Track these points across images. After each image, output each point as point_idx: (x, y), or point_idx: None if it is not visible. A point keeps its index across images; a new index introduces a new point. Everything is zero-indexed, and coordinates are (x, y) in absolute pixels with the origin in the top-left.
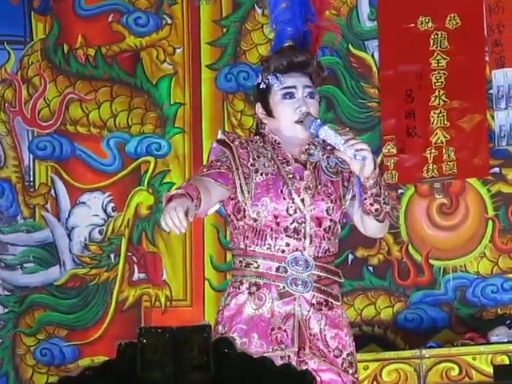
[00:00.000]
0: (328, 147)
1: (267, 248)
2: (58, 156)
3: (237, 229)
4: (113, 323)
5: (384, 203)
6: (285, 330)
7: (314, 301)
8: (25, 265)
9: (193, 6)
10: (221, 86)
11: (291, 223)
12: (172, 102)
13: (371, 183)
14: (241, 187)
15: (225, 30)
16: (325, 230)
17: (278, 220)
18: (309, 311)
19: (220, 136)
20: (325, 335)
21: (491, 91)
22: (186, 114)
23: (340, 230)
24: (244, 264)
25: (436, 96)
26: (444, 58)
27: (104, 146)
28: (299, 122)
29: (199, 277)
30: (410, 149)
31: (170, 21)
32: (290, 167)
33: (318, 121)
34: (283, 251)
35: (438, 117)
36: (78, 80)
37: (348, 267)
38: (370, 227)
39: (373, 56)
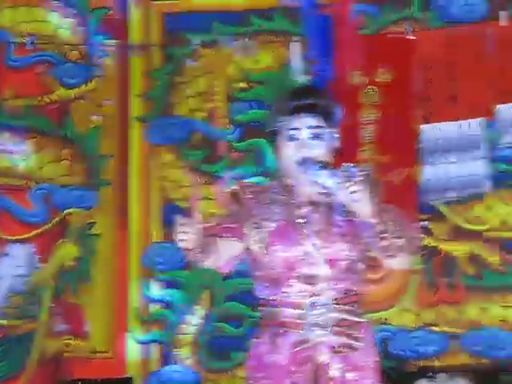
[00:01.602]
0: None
1: (285, 296)
2: None
3: (256, 279)
4: (34, 375)
5: (394, 237)
6: (301, 373)
7: (334, 344)
8: None
9: (123, 58)
10: (149, 138)
11: (305, 268)
12: (100, 154)
13: (373, 222)
14: (253, 238)
15: (155, 82)
16: (342, 271)
17: (292, 267)
18: (328, 355)
19: (235, 186)
20: (346, 379)
21: (420, 146)
22: (113, 166)
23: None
24: (266, 313)
25: (365, 150)
26: (373, 112)
27: (30, 197)
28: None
29: (122, 328)
30: None
31: (100, 72)
32: (301, 211)
33: (314, 165)
34: (301, 297)
35: None
36: (5, 131)
37: None
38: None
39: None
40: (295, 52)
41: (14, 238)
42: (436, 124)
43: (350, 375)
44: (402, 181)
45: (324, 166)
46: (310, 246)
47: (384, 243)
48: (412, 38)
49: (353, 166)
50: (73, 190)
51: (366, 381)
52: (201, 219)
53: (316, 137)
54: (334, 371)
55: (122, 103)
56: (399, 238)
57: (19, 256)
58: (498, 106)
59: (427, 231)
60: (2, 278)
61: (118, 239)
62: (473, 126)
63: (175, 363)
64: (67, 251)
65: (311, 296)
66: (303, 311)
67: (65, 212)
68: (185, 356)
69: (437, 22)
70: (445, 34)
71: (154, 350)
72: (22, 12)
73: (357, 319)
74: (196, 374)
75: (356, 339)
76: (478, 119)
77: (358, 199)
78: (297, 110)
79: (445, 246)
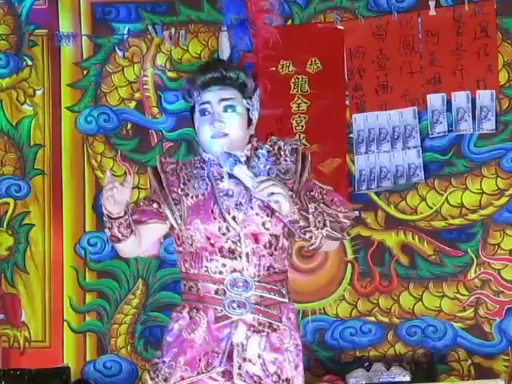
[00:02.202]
0: (273, 158)
1: (205, 271)
2: None
3: (179, 254)
4: None
5: (317, 228)
6: (217, 353)
7: (254, 323)
8: None
9: (53, 48)
10: (81, 127)
11: (225, 243)
12: (32, 144)
13: (295, 218)
14: (173, 215)
15: (85, 72)
16: (264, 246)
17: (212, 241)
18: (247, 334)
19: (156, 164)
20: (264, 359)
21: (351, 135)
22: (45, 156)
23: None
24: (187, 288)
25: None
26: (305, 102)
27: None
28: (215, 139)
29: (58, 318)
30: None
31: (30, 62)
32: (223, 183)
33: (231, 159)
34: (221, 273)
35: None
36: None
37: None
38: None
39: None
40: (224, 41)
41: None
42: (368, 113)
43: (268, 356)
44: (333, 170)
45: (237, 161)
46: (231, 219)
47: (308, 235)
48: (341, 27)
49: (280, 139)
50: (6, 179)
51: (285, 363)
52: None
53: (229, 109)
54: (252, 351)
55: (54, 93)
56: (322, 228)
57: None
58: (428, 95)
59: (360, 220)
60: None
61: (52, 229)
62: (404, 115)
63: (111, 352)
64: (1, 241)
65: (232, 272)
66: (223, 287)
67: None
68: (120, 345)
69: (365, 11)
70: (374, 24)
71: (90, 340)
72: None
73: (279, 299)
74: (132, 364)
75: (276, 319)
76: (410, 108)
77: (275, 201)
78: (208, 84)
79: (378, 236)
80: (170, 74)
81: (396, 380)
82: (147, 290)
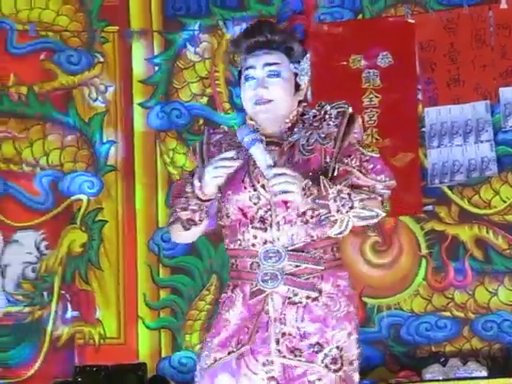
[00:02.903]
0: (315, 123)
1: (239, 244)
2: None
3: (222, 229)
4: (46, 361)
5: (341, 213)
6: (248, 328)
7: (289, 294)
8: None
9: (124, 44)
10: (152, 124)
11: (256, 213)
12: (104, 140)
13: (311, 207)
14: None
15: (156, 68)
16: (298, 214)
17: (245, 212)
18: (283, 307)
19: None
20: (304, 331)
21: (424, 129)
22: (118, 152)
23: None
24: (230, 265)
25: (368, 134)
26: (376, 96)
27: (37, 184)
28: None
29: (132, 315)
30: None
31: (101, 59)
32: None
33: (250, 137)
34: (253, 245)
35: None
36: (10, 118)
37: None
38: None
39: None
40: None
41: (21, 224)
42: (440, 107)
43: (309, 327)
44: (405, 165)
45: (257, 139)
46: (260, 187)
47: (330, 221)
48: (411, 21)
49: (328, 103)
50: (79, 176)
51: (334, 332)
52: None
53: (273, 74)
54: (290, 324)
55: (125, 89)
56: (349, 210)
57: (27, 243)
58: (500, 89)
59: (433, 215)
60: (11, 264)
61: (126, 225)
62: (477, 109)
63: (186, 349)
64: (75, 237)
65: (264, 243)
66: (257, 260)
67: (72, 198)
68: (195, 342)
69: (436, 5)
70: (445, 17)
71: (165, 336)
72: (23, 0)
73: (316, 267)
74: None
75: (313, 289)
76: (482, 102)
77: (281, 192)
78: (252, 48)
79: (451, 230)
80: None
81: (473, 375)
82: (221, 286)
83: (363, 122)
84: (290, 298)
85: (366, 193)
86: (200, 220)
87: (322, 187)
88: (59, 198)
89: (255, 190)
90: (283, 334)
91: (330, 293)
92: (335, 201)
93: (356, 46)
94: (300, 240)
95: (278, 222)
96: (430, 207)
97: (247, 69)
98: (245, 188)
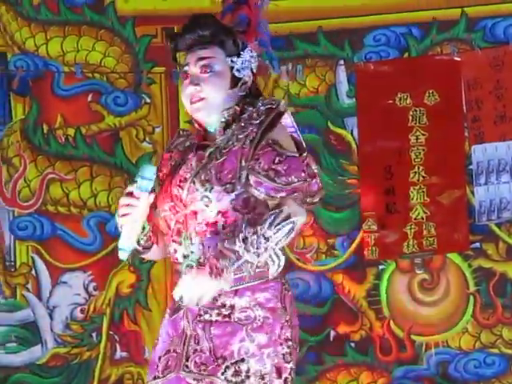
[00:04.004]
0: (245, 122)
1: (170, 257)
2: (39, 236)
3: None
4: None
5: (262, 253)
6: (175, 351)
7: (201, 312)
8: (7, 344)
9: (171, 85)
10: None
11: (175, 225)
12: None
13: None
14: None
15: None
16: (207, 224)
17: (168, 223)
18: (194, 324)
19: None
20: (213, 346)
21: (471, 167)
22: None
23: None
24: None
25: (415, 172)
26: (423, 134)
27: (84, 225)
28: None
29: None
30: (390, 225)
31: (148, 100)
32: (188, 157)
33: (140, 181)
34: (177, 259)
35: (417, 192)
36: (57, 160)
37: (330, 343)
38: None
39: (352, 133)
40: (341, 75)
41: (70, 266)
42: (487, 144)
43: (216, 342)
44: (452, 202)
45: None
46: (175, 198)
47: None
48: (458, 59)
49: (266, 99)
50: None
51: (233, 345)
52: None
53: (205, 69)
54: (203, 338)
55: (172, 130)
56: (266, 247)
57: (76, 284)
58: None
59: (481, 252)
60: (60, 306)
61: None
62: None
63: None
64: (123, 278)
65: (184, 257)
66: (179, 273)
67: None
68: None
69: (482, 42)
70: (491, 55)
71: None
72: (70, 41)
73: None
74: None
75: (225, 307)
76: None
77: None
78: (190, 45)
79: (499, 267)
80: (289, 109)
81: None
82: None
83: (410, 160)
84: (200, 315)
85: (274, 212)
86: (146, 247)
87: (226, 249)
88: (107, 239)
89: (172, 200)
90: (195, 351)
91: (245, 307)
92: (248, 250)
93: (402, 84)
94: (212, 253)
95: (190, 235)
96: (477, 244)
97: (184, 66)
98: (166, 197)
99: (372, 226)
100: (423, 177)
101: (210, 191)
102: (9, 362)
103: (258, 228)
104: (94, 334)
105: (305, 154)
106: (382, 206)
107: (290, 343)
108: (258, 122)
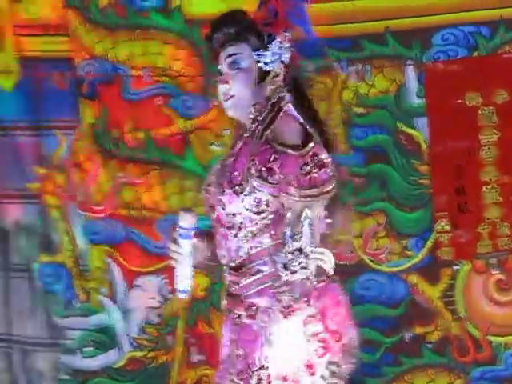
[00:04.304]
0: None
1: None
2: (112, 240)
3: None
4: None
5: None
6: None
7: (233, 314)
8: (84, 349)
9: None
10: None
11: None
12: None
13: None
14: None
15: None
16: (228, 227)
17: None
18: (232, 327)
19: None
20: (243, 352)
21: None
22: None
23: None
24: None
25: (487, 171)
26: (494, 134)
27: (157, 228)
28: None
29: None
30: (463, 225)
31: (216, 103)
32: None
33: (180, 230)
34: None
35: (490, 192)
36: (128, 164)
37: (406, 345)
38: None
39: (422, 133)
40: (410, 75)
41: (144, 269)
42: None
43: (240, 350)
44: None
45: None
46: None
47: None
48: None
49: None
50: (198, 220)
51: (253, 355)
52: None
53: (232, 65)
54: (232, 346)
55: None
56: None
57: (150, 288)
58: None
59: None
60: (135, 310)
61: None
62: None
63: None
64: (198, 281)
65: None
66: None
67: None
68: None
69: None
70: None
71: None
72: (138, 46)
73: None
74: None
75: (248, 309)
76: None
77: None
78: (222, 43)
79: None
80: (358, 110)
81: None
82: None
83: (480, 159)
84: (233, 318)
85: (288, 222)
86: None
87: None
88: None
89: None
90: (237, 356)
91: (267, 307)
92: (294, 272)
93: (471, 83)
94: (235, 254)
95: (218, 239)
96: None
97: (218, 65)
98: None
99: (445, 226)
100: (495, 176)
101: (223, 194)
102: (86, 366)
103: (286, 247)
104: (169, 338)
105: (311, 145)
106: (454, 206)
107: (321, 336)
108: (261, 118)
